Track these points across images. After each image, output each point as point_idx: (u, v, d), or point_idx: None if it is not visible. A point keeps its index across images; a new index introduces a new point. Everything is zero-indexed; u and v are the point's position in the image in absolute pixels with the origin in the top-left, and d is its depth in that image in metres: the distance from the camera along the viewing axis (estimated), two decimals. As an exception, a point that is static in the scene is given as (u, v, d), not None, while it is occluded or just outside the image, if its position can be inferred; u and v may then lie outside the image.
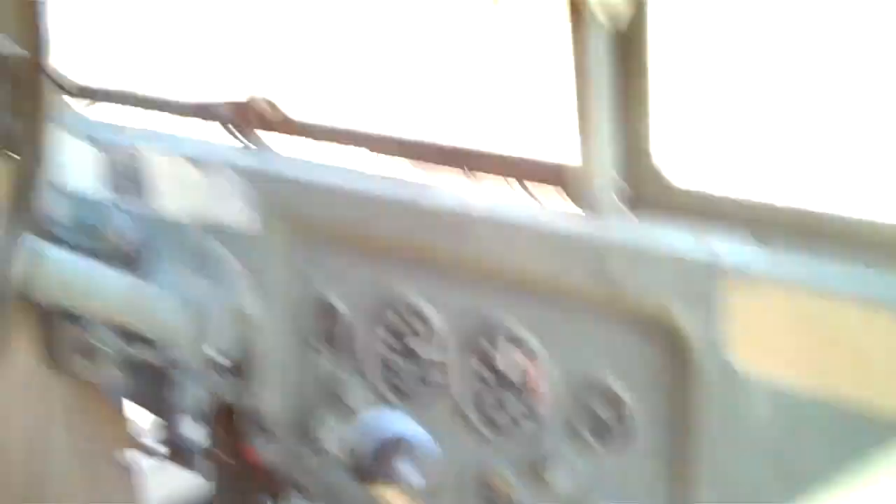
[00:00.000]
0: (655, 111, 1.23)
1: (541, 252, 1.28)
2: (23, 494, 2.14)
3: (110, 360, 1.85)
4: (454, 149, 1.47)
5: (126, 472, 2.31)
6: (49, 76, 1.52)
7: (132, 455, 2.29)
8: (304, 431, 1.63)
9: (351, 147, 1.60)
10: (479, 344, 1.39)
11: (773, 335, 1.11)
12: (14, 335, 2.04)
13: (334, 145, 1.61)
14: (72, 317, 1.92)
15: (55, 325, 1.99)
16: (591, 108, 1.21)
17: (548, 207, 1.36)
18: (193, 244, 1.67)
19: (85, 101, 1.91)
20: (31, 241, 1.39)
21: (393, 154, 1.55)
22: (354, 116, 1.70)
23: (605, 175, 1.25)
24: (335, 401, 1.58)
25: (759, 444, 1.14)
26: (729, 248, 1.16)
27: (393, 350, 1.50)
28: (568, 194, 1.33)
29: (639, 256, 1.19)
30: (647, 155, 1.25)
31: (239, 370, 1.69)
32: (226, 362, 1.68)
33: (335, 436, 1.56)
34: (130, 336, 1.75)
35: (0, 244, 1.05)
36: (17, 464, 2.14)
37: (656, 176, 1.26)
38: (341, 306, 1.55)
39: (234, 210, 1.61)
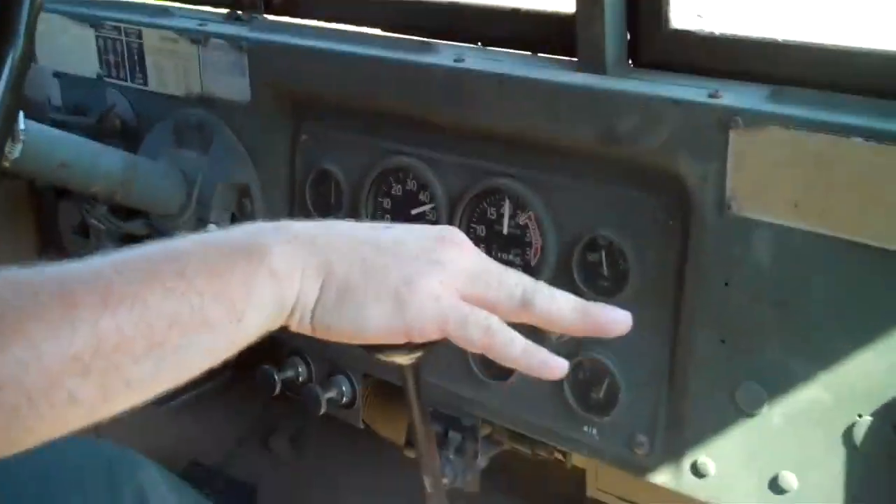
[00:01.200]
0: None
1: (538, 108, 1.25)
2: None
3: (106, 236, 1.85)
4: (458, 6, 1.45)
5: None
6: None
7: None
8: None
9: (353, 21, 1.58)
10: (480, 205, 1.37)
11: (777, 178, 1.07)
12: (9, 217, 2.04)
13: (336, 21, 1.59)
14: (67, 196, 1.92)
15: (50, 206, 1.99)
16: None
17: (548, 62, 1.33)
18: (188, 118, 1.65)
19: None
20: (25, 122, 1.37)
21: (395, 25, 1.52)
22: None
23: (608, 24, 1.21)
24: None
25: (761, 287, 1.11)
26: (736, 94, 1.12)
27: (391, 215, 1.48)
28: (567, 46, 1.30)
29: (642, 108, 1.16)
30: (655, 3, 1.22)
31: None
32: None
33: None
34: (125, 212, 1.74)
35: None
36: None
37: (661, 21, 1.22)
38: (339, 174, 1.52)
39: (227, 81, 1.58)
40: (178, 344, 0.73)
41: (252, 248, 0.78)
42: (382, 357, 0.87)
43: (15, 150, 1.27)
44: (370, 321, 0.81)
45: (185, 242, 0.78)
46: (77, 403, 0.69)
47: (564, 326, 0.85)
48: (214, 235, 0.80)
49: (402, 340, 0.83)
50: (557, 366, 0.84)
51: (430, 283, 0.81)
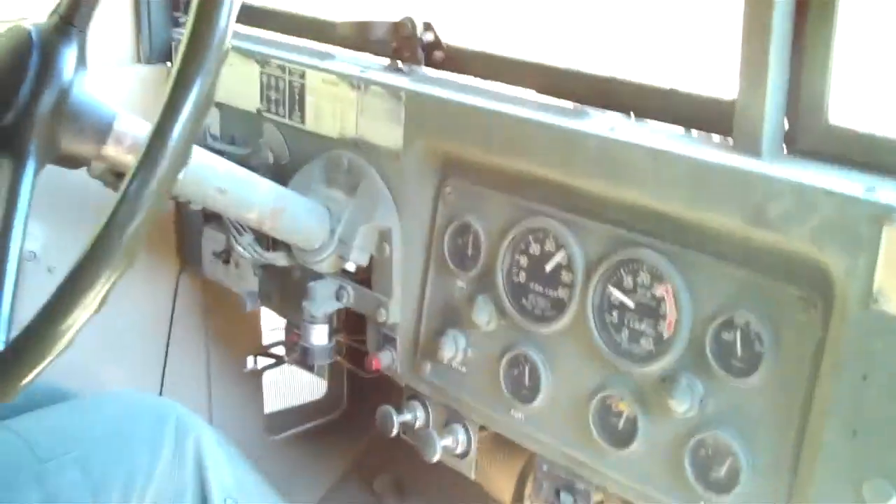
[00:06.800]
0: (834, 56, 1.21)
1: (690, 185, 1.26)
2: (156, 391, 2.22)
3: (247, 264, 1.91)
4: (614, 81, 1.48)
5: (253, 378, 2.38)
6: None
7: (260, 361, 2.36)
8: (427, 345, 1.66)
9: (508, 81, 1.61)
10: (617, 272, 1.39)
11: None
12: (153, 237, 2.11)
13: (492, 80, 1.63)
14: (213, 221, 1.99)
15: (195, 230, 2.06)
16: (761, 46, 1.19)
17: (702, 141, 1.34)
18: (339, 159, 1.71)
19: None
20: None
21: (549, 88, 1.55)
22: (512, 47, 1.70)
23: (769, 113, 1.22)
24: (461, 318, 1.60)
25: (901, 388, 1.10)
26: (893, 191, 1.11)
27: (526, 273, 1.51)
28: (721, 128, 1.31)
29: (796, 194, 1.16)
30: (816, 97, 1.23)
31: (371, 282, 1.72)
32: (358, 273, 1.71)
33: (458, 351, 1.60)
34: (269, 243, 1.80)
35: (169, 158, 1.08)
36: (154, 360, 2.22)
37: (820, 113, 1.23)
38: (478, 228, 1.55)
39: (382, 128, 1.63)
40: None
41: None
42: None
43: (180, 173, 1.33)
44: None
45: None
46: None
47: None
48: None
49: None
50: None
51: None
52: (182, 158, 1.09)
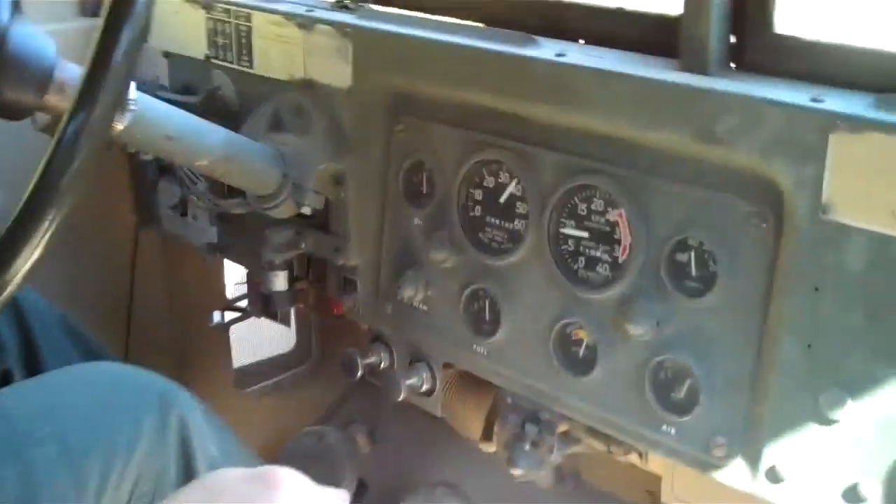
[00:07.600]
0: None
1: (638, 106, 1.25)
2: (121, 352, 2.21)
3: (204, 215, 1.89)
4: (561, 5, 1.47)
5: (219, 333, 2.37)
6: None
7: (224, 315, 2.35)
8: (387, 286, 1.66)
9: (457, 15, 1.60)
10: (571, 200, 1.38)
11: (877, 186, 1.06)
12: (109, 194, 2.09)
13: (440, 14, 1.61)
14: (167, 174, 1.96)
15: (150, 184, 2.03)
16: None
17: (650, 61, 1.33)
18: (289, 102, 1.69)
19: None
20: (136, 93, 1.40)
21: (498, 20, 1.54)
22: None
23: (713, 24, 1.21)
24: (420, 256, 1.59)
25: (852, 294, 1.11)
26: (839, 99, 1.11)
27: (481, 207, 1.50)
28: (670, 47, 1.31)
29: (743, 108, 1.16)
30: (762, 8, 1.22)
31: (328, 226, 1.71)
32: (315, 217, 1.70)
33: (419, 290, 1.59)
34: (224, 192, 1.78)
35: (102, 99, 1.06)
36: (118, 321, 2.21)
37: (765, 25, 1.22)
38: (432, 164, 1.54)
39: (330, 67, 1.61)
40: None
41: None
42: None
43: (124, 120, 1.31)
44: None
45: None
46: None
47: None
48: None
49: None
50: None
51: None
52: (116, 99, 1.07)
